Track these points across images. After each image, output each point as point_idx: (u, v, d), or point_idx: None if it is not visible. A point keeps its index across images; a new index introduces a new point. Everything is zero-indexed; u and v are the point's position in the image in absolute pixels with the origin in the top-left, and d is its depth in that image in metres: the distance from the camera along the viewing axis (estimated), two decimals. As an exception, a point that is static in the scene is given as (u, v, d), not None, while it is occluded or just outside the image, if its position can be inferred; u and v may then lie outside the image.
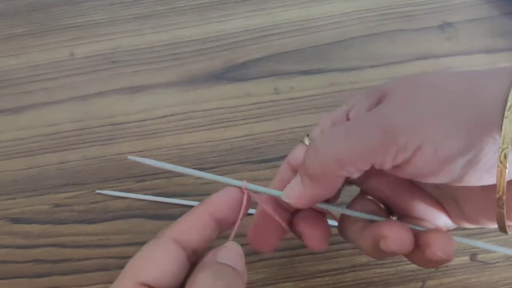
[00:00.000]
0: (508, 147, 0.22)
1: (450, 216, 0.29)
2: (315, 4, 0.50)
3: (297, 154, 0.29)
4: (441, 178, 0.25)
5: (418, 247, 0.26)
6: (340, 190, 0.29)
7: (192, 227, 0.26)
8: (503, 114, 0.22)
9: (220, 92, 0.45)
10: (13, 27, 0.51)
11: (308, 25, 0.49)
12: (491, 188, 0.23)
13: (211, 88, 0.46)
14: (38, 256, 0.38)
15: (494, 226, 0.26)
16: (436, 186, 0.29)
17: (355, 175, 0.26)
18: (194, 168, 0.41)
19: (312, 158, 0.25)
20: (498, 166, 0.22)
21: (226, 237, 0.26)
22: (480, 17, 0.48)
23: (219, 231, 0.27)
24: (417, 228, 0.28)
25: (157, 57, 0.48)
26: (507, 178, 0.23)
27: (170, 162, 0.41)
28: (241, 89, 0.45)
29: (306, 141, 0.29)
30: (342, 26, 0.48)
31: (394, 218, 0.30)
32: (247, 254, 0.35)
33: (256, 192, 0.27)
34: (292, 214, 0.30)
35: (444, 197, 0.29)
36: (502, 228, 0.25)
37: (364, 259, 0.36)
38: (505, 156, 0.22)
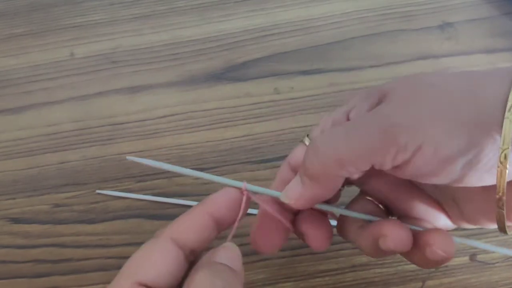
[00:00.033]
0: (508, 148, 0.22)
1: (449, 216, 0.29)
2: (315, 4, 0.50)
3: (297, 154, 0.29)
4: (441, 179, 0.25)
5: (418, 247, 0.26)
6: (340, 190, 0.29)
7: (190, 227, 0.26)
8: (504, 114, 0.22)
9: (220, 92, 0.45)
10: (13, 27, 0.51)
11: (308, 25, 0.49)
12: (491, 188, 0.23)
13: (211, 88, 0.45)
14: (38, 256, 0.38)
15: (494, 226, 0.26)
16: (436, 186, 0.29)
17: (355, 176, 0.26)
18: (194, 168, 0.41)
19: (312, 158, 0.25)
20: (498, 167, 0.22)
21: (225, 238, 0.26)
22: (480, 17, 0.48)
23: (218, 231, 0.27)
24: (417, 228, 0.28)
25: (157, 57, 0.48)
26: (507, 179, 0.23)
27: (170, 162, 0.41)
28: (241, 89, 0.45)
29: (306, 141, 0.29)
30: (342, 26, 0.48)
31: (393, 218, 0.30)
32: (247, 254, 0.35)
33: (255, 193, 0.27)
34: (294, 214, 0.30)
35: (444, 197, 0.29)
36: (502, 229, 0.25)
37: (364, 259, 0.36)
38: (505, 157, 0.22)
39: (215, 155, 0.42)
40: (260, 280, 0.36)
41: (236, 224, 0.27)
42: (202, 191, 0.40)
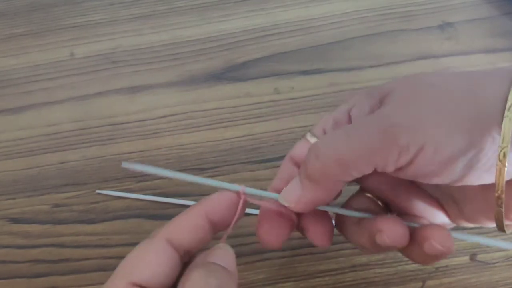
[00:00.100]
0: (507, 146, 0.22)
1: (448, 215, 0.29)
2: (315, 4, 0.50)
3: (300, 149, 0.29)
4: (442, 179, 0.25)
5: (416, 242, 0.26)
6: (340, 191, 0.29)
7: (186, 227, 0.26)
8: (503, 113, 0.22)
9: (220, 92, 0.45)
10: (13, 27, 0.51)
11: (308, 25, 0.49)
12: (491, 187, 0.23)
13: (211, 88, 0.45)
14: (37, 256, 0.38)
15: (493, 225, 0.26)
16: (435, 185, 0.29)
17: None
18: (194, 168, 0.41)
19: (313, 159, 0.25)
20: (497, 165, 0.22)
21: (222, 238, 0.26)
22: (480, 17, 0.48)
23: (213, 233, 0.26)
24: (414, 225, 0.28)
25: (157, 57, 0.48)
26: (506, 177, 0.23)
27: (170, 162, 0.42)
28: (241, 89, 0.45)
29: (309, 137, 0.29)
30: (342, 26, 0.48)
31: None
32: (247, 254, 0.35)
33: (253, 195, 0.27)
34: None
35: (443, 196, 0.29)
36: (501, 227, 0.25)
37: (364, 259, 0.36)
38: (504, 155, 0.22)
39: (215, 155, 0.42)
40: (260, 280, 0.36)
41: (231, 226, 0.27)
42: (202, 191, 0.40)
